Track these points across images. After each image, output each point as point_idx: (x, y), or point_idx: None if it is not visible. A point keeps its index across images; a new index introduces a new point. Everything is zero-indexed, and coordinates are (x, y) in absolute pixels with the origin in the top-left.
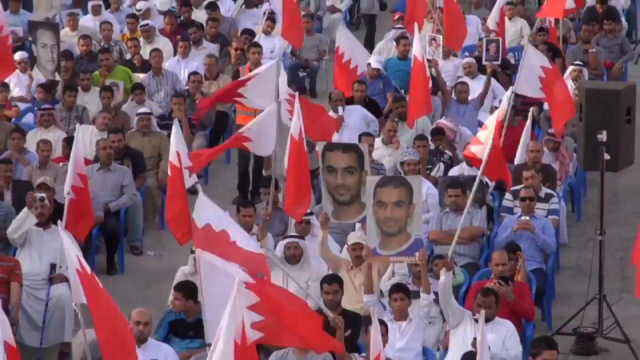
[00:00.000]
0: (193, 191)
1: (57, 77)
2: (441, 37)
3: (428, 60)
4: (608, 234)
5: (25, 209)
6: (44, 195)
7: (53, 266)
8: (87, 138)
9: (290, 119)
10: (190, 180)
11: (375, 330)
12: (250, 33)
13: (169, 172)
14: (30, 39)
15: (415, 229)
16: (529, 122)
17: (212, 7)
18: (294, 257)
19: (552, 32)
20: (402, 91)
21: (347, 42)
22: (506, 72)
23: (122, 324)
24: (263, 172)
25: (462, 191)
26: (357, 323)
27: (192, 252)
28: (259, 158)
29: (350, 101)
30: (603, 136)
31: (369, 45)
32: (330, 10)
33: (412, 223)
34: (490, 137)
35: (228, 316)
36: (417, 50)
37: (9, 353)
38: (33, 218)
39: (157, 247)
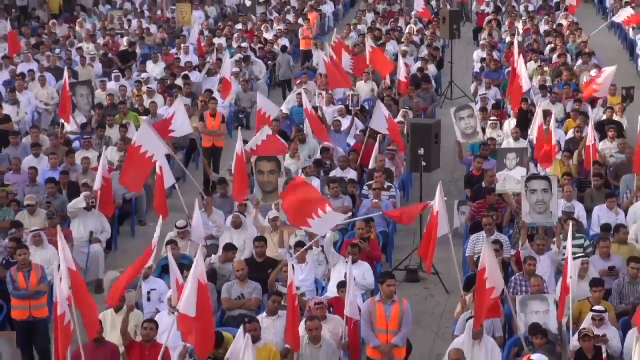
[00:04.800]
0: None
1: (92, 113)
2: (324, 92)
3: (315, 107)
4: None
5: (80, 198)
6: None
7: (92, 233)
8: (113, 156)
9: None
10: (170, 181)
11: (289, 269)
12: (210, 91)
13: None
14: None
15: None
16: (377, 143)
17: (186, 77)
18: (236, 223)
19: (398, 88)
20: (302, 126)
21: (262, 100)
22: (364, 114)
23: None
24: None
25: (337, 185)
26: (276, 265)
27: (176, 226)
28: (216, 167)
29: None
30: (421, 151)
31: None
32: (256, 77)
33: None
34: None
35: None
36: (305, 102)
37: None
38: (83, 202)
39: (154, 220)
